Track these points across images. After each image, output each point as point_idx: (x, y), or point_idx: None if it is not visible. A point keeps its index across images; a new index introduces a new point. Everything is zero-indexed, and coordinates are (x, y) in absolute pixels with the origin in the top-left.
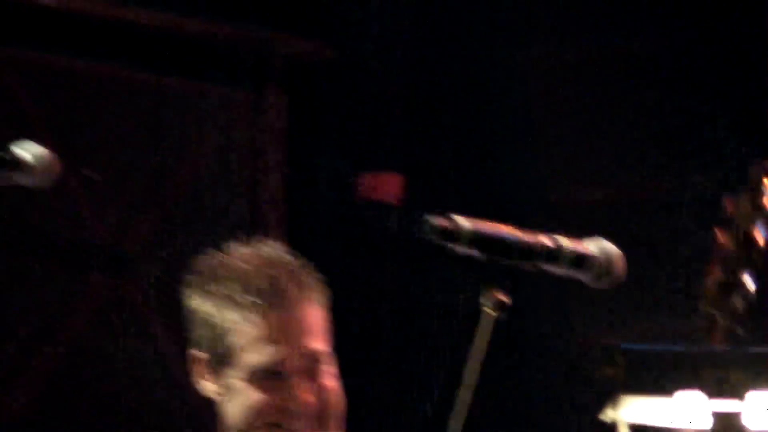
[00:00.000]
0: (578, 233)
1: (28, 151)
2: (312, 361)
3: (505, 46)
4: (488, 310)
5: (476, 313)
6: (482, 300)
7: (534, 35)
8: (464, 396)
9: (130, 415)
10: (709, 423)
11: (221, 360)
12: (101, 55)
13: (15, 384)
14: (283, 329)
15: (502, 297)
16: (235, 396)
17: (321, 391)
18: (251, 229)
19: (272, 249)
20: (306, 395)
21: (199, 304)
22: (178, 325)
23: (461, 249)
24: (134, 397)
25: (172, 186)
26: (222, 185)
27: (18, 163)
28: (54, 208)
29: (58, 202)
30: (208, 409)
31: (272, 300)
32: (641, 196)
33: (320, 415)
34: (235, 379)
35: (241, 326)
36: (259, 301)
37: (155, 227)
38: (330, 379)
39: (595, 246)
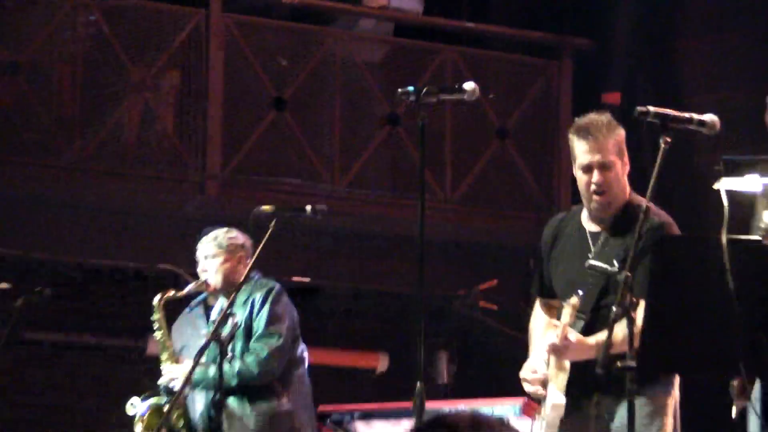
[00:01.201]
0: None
1: None
2: (605, 162)
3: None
4: (663, 144)
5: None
6: (660, 140)
7: None
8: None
9: None
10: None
11: (575, 162)
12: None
13: None
14: (592, 148)
15: (668, 138)
16: (577, 179)
17: (608, 177)
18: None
19: (598, 114)
20: (600, 177)
21: (570, 139)
22: None
23: (651, 119)
24: None
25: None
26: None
27: None
28: None
29: None
30: None
31: (589, 135)
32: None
33: (606, 187)
34: (576, 170)
35: (577, 146)
36: (583, 135)
37: None
38: (613, 172)
39: (708, 116)
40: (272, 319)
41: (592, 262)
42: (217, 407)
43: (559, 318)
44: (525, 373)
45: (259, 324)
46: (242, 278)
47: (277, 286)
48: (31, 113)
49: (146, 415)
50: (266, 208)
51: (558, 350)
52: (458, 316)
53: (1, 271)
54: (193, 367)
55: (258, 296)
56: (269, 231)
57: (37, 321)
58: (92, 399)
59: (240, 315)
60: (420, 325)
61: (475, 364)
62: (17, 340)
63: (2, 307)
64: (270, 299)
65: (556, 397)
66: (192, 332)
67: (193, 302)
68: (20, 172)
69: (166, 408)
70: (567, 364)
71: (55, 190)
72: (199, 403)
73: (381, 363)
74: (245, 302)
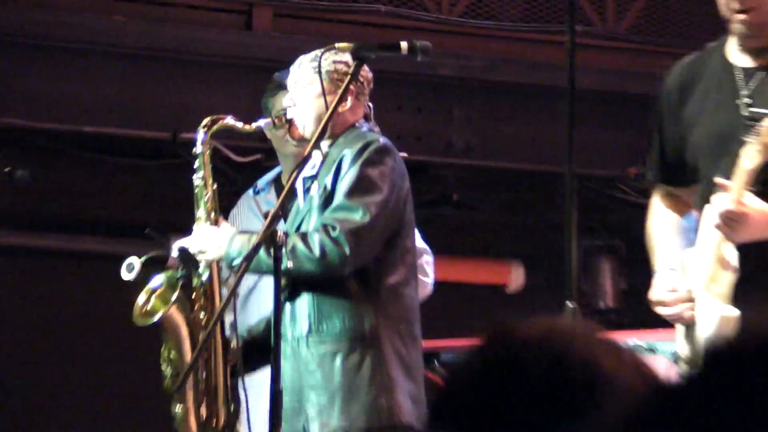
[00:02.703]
0: None
1: None
2: None
3: None
4: None
5: None
6: None
7: None
8: None
9: None
10: None
11: None
12: None
13: None
14: None
15: None
16: None
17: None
18: None
19: None
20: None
21: None
22: None
23: None
24: None
25: None
26: None
27: None
28: None
29: None
30: None
31: None
32: None
33: (752, 2)
34: None
35: None
36: None
37: None
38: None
39: None
40: (360, 186)
41: (754, 108)
42: (275, 316)
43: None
44: (659, 292)
45: (340, 191)
46: (342, 125)
47: (381, 141)
48: None
49: (159, 290)
50: (342, 46)
51: (731, 220)
52: (626, 205)
53: None
54: (249, 258)
55: (349, 153)
56: (346, 82)
57: (6, 218)
58: (91, 323)
59: (325, 178)
60: (570, 219)
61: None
62: None
63: None
64: (363, 158)
65: (722, 308)
66: (257, 223)
67: (261, 181)
68: None
69: (182, 283)
70: (734, 258)
71: (49, 28)
72: (255, 309)
73: (514, 277)
74: (334, 161)
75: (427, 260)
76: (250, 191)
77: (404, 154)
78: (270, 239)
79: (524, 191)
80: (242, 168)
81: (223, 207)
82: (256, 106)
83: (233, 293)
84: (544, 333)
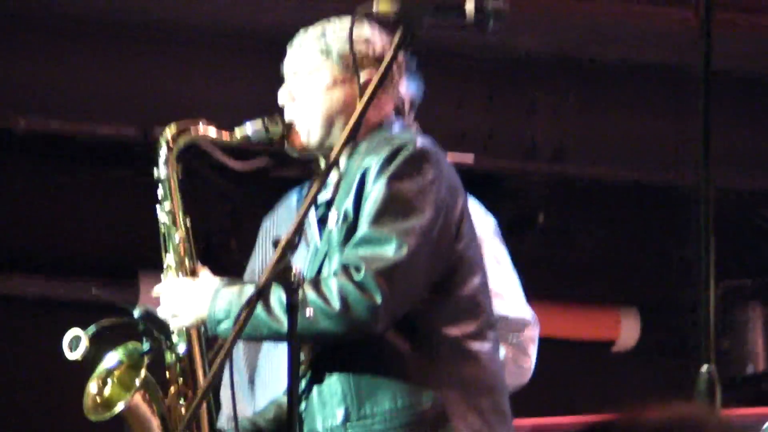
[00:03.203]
0: None
1: None
2: None
3: None
4: None
5: None
6: None
7: None
8: None
9: None
10: None
11: None
12: None
13: None
14: None
15: None
16: None
17: None
18: None
19: None
20: None
21: None
22: None
23: None
24: None
25: None
26: None
27: None
28: None
29: None
30: None
31: None
32: None
33: None
34: None
35: None
36: None
37: None
38: None
39: None
40: (390, 207)
41: None
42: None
43: None
44: None
45: (364, 217)
46: (363, 127)
47: (417, 143)
48: None
49: (117, 371)
50: (382, 7)
51: None
52: None
53: None
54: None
55: (374, 163)
56: (385, 62)
57: None
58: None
59: (343, 202)
60: (705, 250)
61: None
62: None
63: None
64: (392, 168)
65: None
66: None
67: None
68: None
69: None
70: None
71: None
72: (263, 387)
73: (625, 329)
74: (354, 177)
75: (532, 336)
76: (293, 196)
77: (467, 159)
78: (281, 279)
79: (638, 211)
80: (241, 179)
81: (216, 232)
82: (264, 93)
83: (223, 364)
84: (670, 424)
